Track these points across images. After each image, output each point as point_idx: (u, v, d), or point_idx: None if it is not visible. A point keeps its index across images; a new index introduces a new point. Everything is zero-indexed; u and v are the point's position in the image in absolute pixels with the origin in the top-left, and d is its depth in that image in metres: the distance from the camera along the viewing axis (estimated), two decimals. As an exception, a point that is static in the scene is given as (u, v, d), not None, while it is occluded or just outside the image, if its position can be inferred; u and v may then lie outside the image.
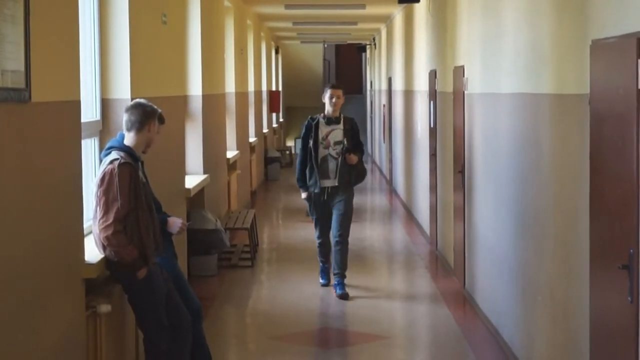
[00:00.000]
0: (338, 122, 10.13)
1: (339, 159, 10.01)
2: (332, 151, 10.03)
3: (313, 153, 10.01)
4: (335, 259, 10.17)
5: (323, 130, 10.08)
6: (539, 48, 6.90)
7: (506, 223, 8.03)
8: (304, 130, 10.17)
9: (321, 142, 10.04)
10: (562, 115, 6.28)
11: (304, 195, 10.24)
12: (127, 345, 6.76)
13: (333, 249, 10.22)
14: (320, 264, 10.53)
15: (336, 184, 10.01)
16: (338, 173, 10.00)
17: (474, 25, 9.67)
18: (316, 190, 10.03)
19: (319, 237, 10.37)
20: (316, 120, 10.14)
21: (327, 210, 10.12)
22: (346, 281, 10.11)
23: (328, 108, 10.12)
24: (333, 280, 10.20)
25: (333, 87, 10.28)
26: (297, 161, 10.28)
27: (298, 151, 10.42)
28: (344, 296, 9.91)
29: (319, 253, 10.47)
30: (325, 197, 10.05)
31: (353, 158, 9.99)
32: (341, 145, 10.01)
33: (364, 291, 10.22)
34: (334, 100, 10.10)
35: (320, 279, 10.55)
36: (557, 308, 6.43)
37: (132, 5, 7.22)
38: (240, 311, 9.87)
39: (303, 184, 10.18)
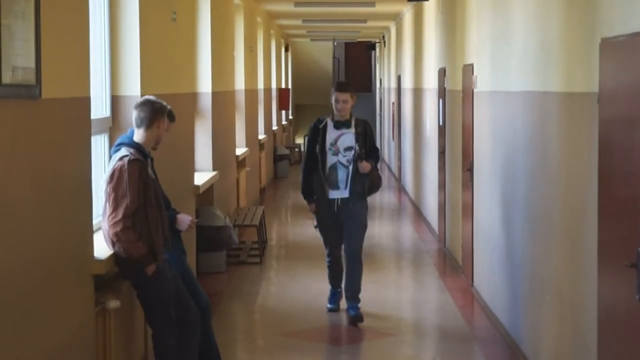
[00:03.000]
0: (348, 126, 8.87)
1: (350, 167, 8.80)
2: (342, 158, 8.83)
3: (320, 161, 8.85)
4: (346, 280, 9.02)
5: (331, 134, 8.88)
6: (548, 46, 6.90)
7: (514, 221, 8.04)
8: (309, 135, 9.04)
9: (329, 149, 8.85)
10: (571, 114, 6.29)
11: (311, 208, 9.11)
12: (136, 341, 6.78)
13: (345, 267, 9.08)
14: (330, 287, 9.33)
15: (347, 196, 8.83)
16: (349, 183, 8.80)
17: (484, 23, 9.67)
18: (323, 202, 8.91)
19: (328, 255, 9.21)
20: (324, 123, 8.92)
21: (337, 225, 8.96)
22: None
23: (335, 112, 8.93)
24: (344, 302, 9.13)
25: (338, 89, 8.90)
26: (302, 169, 9.15)
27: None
28: (358, 318, 8.81)
29: (329, 275, 9.30)
30: (335, 210, 8.87)
31: (366, 165, 8.77)
32: (352, 152, 8.79)
33: (372, 288, 10.22)
34: (339, 105, 8.84)
35: (327, 302, 9.32)
36: (565, 306, 6.43)
37: (142, 2, 7.23)
38: (248, 307, 9.89)
39: (308, 195, 9.04)
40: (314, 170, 8.94)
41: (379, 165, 9.16)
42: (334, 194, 8.87)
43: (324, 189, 8.87)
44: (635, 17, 4.85)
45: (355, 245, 8.95)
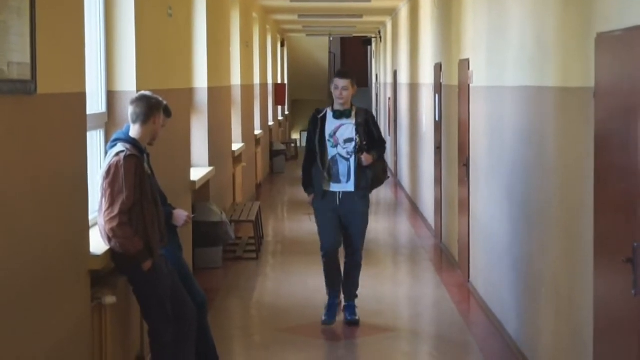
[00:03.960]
0: (349, 116, 8.45)
1: (351, 160, 8.42)
2: (342, 150, 8.43)
3: (319, 152, 8.43)
4: (345, 278, 8.68)
5: (330, 125, 8.46)
6: (544, 41, 6.90)
7: (511, 216, 8.04)
8: (309, 126, 8.61)
9: (329, 140, 8.44)
10: (567, 109, 6.29)
11: (310, 199, 8.67)
12: (132, 336, 6.78)
13: (344, 265, 8.70)
14: (328, 295, 8.69)
15: (350, 190, 8.44)
16: (352, 176, 8.41)
17: (480, 18, 9.67)
18: (322, 196, 8.47)
19: (324, 255, 8.60)
20: (323, 113, 8.50)
21: (336, 220, 8.49)
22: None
23: (335, 100, 8.52)
24: (342, 300, 8.79)
25: (339, 75, 8.53)
26: (303, 161, 8.70)
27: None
28: (354, 323, 8.61)
29: (327, 278, 8.68)
30: (337, 204, 8.46)
31: (367, 157, 8.38)
32: (352, 143, 8.41)
33: (368, 284, 10.22)
34: (338, 92, 8.44)
35: (323, 314, 8.64)
36: (561, 301, 6.44)
37: (138, -3, 7.23)
38: (245, 303, 9.89)
39: (308, 186, 8.61)
40: (314, 164, 8.52)
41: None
42: (334, 187, 8.46)
43: (323, 183, 8.45)
44: (631, 12, 4.84)
45: (357, 244, 8.64)
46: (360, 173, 8.44)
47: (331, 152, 8.46)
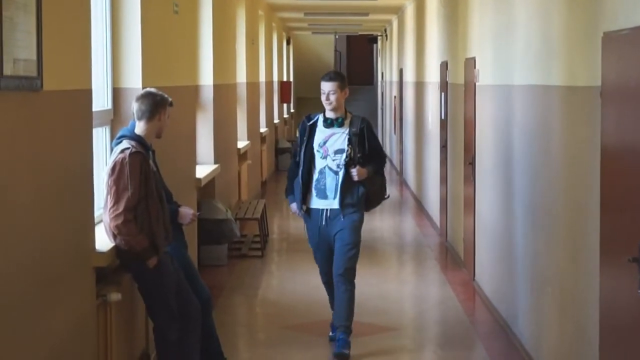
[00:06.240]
0: (341, 124, 7.55)
1: (341, 173, 7.50)
2: (332, 162, 7.53)
3: (302, 164, 7.57)
4: (335, 306, 7.73)
5: (320, 134, 7.58)
6: (551, 40, 6.89)
7: (516, 215, 8.03)
8: (298, 134, 7.77)
9: (317, 150, 7.55)
10: (573, 108, 6.28)
11: (293, 209, 7.76)
12: (137, 334, 6.79)
13: (335, 292, 7.69)
14: (332, 312, 7.99)
15: (336, 207, 7.52)
16: (338, 192, 7.48)
17: (486, 16, 9.65)
18: (311, 214, 7.64)
19: (323, 275, 7.97)
20: (313, 120, 7.64)
21: (328, 240, 7.65)
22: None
23: (325, 107, 7.62)
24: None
25: (323, 78, 7.57)
26: (288, 170, 7.87)
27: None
28: (342, 356, 7.51)
29: (330, 297, 8.03)
30: (324, 223, 7.59)
31: (361, 172, 7.47)
32: (343, 155, 7.49)
33: (373, 282, 10.23)
34: (324, 98, 7.54)
35: (330, 330, 8.04)
36: (566, 300, 6.43)
37: (144, -6, 7.23)
38: (250, 301, 9.89)
39: (289, 193, 7.76)
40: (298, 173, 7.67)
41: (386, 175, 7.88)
42: (320, 204, 7.59)
43: (310, 199, 7.62)
44: (638, 11, 4.83)
45: (343, 265, 7.56)
46: (348, 188, 7.52)
47: (320, 163, 7.57)
